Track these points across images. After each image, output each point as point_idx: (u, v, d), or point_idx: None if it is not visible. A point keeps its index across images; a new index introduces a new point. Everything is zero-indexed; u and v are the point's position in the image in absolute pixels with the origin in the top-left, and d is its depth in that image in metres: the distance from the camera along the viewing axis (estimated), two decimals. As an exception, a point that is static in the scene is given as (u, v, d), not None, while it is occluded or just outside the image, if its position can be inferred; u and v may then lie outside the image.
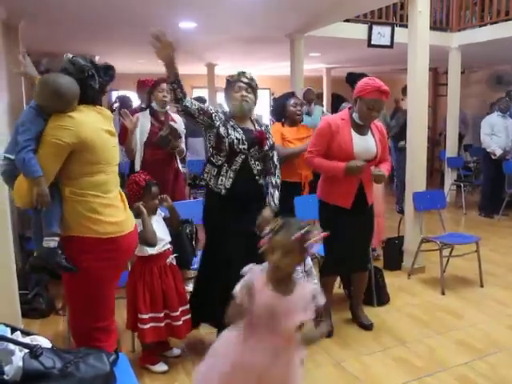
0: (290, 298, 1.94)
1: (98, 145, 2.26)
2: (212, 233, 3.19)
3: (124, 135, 3.92)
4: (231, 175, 3.05)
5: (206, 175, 3.14)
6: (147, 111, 4.14)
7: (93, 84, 2.32)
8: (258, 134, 3.15)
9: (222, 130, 3.04)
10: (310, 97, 5.91)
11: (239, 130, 3.09)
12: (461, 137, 9.33)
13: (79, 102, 2.28)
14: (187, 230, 3.34)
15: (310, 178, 4.42)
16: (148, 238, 2.88)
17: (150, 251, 2.91)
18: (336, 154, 3.29)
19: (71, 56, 2.37)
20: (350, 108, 3.40)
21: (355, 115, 3.32)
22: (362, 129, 3.35)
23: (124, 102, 7.79)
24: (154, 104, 4.09)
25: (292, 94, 4.67)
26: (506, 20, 6.73)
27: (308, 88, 6.05)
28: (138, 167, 4.03)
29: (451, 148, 8.26)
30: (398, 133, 6.71)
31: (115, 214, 2.32)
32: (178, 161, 4.37)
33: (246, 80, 3.14)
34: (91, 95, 2.34)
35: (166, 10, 5.46)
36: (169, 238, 3.04)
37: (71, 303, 2.44)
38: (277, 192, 3.22)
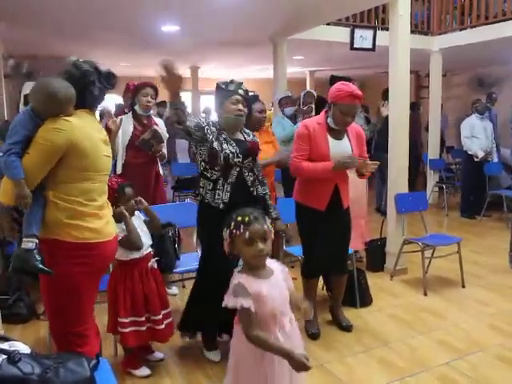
0: (275, 277, 2.07)
1: (89, 151, 2.25)
2: (211, 248, 3.05)
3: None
4: (228, 189, 3.03)
5: (201, 190, 3.09)
6: (130, 114, 4.14)
7: (93, 90, 2.33)
8: (252, 144, 3.14)
9: (215, 144, 2.99)
10: (310, 100, 5.69)
11: (232, 142, 3.05)
12: (443, 139, 9.43)
13: (77, 107, 2.28)
14: (170, 234, 3.34)
15: (273, 184, 4.43)
16: (133, 242, 2.86)
17: (132, 255, 2.89)
18: (313, 158, 3.29)
19: (75, 59, 2.36)
20: (325, 112, 3.40)
21: (330, 120, 3.32)
22: (337, 133, 3.35)
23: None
24: (137, 107, 4.08)
25: (256, 98, 4.42)
26: (486, 24, 6.82)
27: (308, 91, 5.87)
28: (119, 169, 4.03)
29: (433, 150, 8.34)
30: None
31: (95, 222, 2.30)
32: (159, 165, 4.37)
33: (242, 92, 3.08)
34: (90, 101, 2.35)
35: (149, 13, 5.46)
36: (150, 242, 3.03)
37: (48, 307, 2.43)
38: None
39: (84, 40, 7.23)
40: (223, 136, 3.05)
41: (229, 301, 1.97)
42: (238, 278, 2.01)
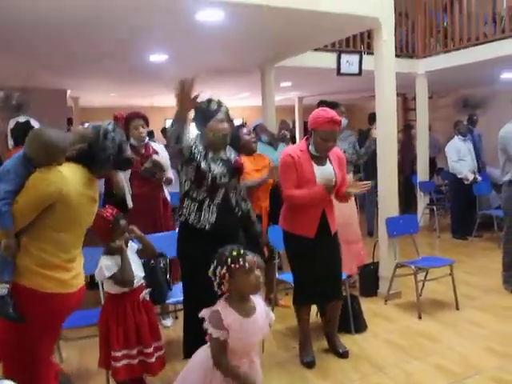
0: (256, 316, 2.17)
1: (74, 206, 2.27)
2: (195, 269, 3.02)
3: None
4: (214, 209, 3.01)
5: (184, 210, 3.06)
6: None
7: (104, 166, 2.40)
8: (237, 164, 3.14)
9: (203, 164, 2.98)
10: (284, 127, 5.77)
11: (219, 162, 3.04)
12: (433, 161, 9.51)
13: (77, 161, 2.32)
14: (161, 264, 3.30)
15: (268, 209, 4.41)
16: (126, 280, 2.83)
17: (123, 289, 2.86)
18: (300, 185, 3.30)
19: (111, 126, 2.40)
20: (306, 139, 3.41)
21: (311, 148, 3.34)
22: (320, 159, 3.37)
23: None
24: (131, 140, 4.08)
25: (242, 125, 4.63)
26: (468, 47, 6.95)
27: (282, 119, 6.01)
28: (130, 203, 4.02)
29: (422, 172, 8.39)
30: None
31: (63, 274, 2.29)
32: (166, 191, 4.38)
33: (225, 110, 3.10)
34: (92, 166, 2.37)
35: (136, 43, 5.51)
36: (142, 274, 2.99)
37: (2, 349, 2.37)
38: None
39: (73, 72, 7.26)
40: (210, 155, 3.04)
41: (204, 324, 2.12)
42: (219, 305, 2.13)
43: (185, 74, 7.88)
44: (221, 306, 2.12)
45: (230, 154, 3.23)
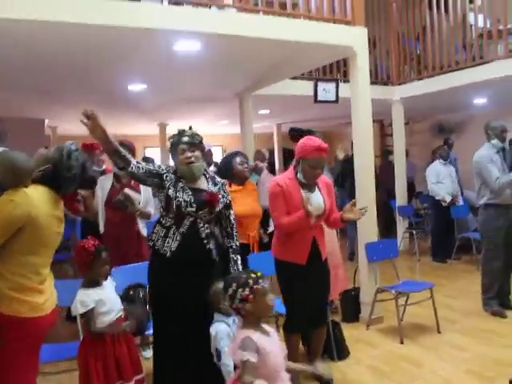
0: (273, 335, 2.27)
1: (44, 227, 2.28)
2: (157, 296, 3.07)
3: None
4: (178, 238, 2.98)
5: (153, 235, 3.07)
6: (111, 175, 4.26)
7: (69, 186, 2.44)
8: (209, 196, 3.03)
9: (170, 191, 2.97)
10: (259, 157, 5.97)
11: (188, 191, 2.99)
12: (411, 185, 9.63)
13: (42, 182, 2.34)
14: (140, 295, 3.27)
15: (257, 238, 4.40)
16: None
17: (100, 324, 2.81)
18: (291, 214, 3.30)
19: (72, 148, 2.44)
20: (294, 167, 3.45)
21: (300, 175, 3.37)
22: (308, 187, 3.40)
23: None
24: (115, 169, 4.08)
25: (237, 153, 4.63)
26: (441, 74, 7.12)
27: (257, 150, 6.14)
28: (101, 228, 4.10)
29: (400, 197, 8.48)
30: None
31: (37, 297, 2.30)
32: (140, 224, 4.35)
33: (186, 139, 3.01)
34: (58, 187, 2.40)
35: (115, 73, 5.54)
36: (120, 307, 2.95)
37: None
38: (239, 257, 3.20)
39: (52, 102, 7.27)
40: (180, 184, 3.01)
41: (235, 355, 2.12)
42: (245, 333, 2.16)
43: (164, 102, 7.98)
44: (246, 332, 2.15)
45: (212, 185, 3.13)
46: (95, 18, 3.59)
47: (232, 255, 3.18)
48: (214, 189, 3.12)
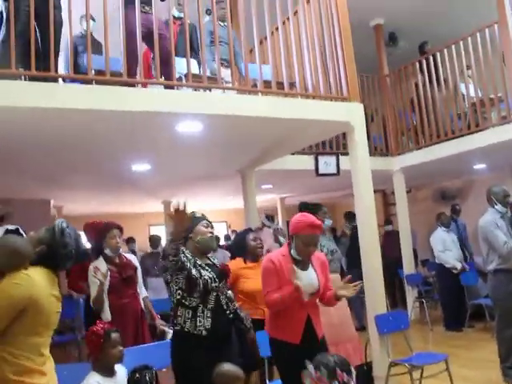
0: None
1: (46, 308, 2.31)
2: (194, 378, 3.02)
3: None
4: (208, 315, 3.05)
5: (179, 319, 3.08)
6: (101, 259, 4.12)
7: (66, 263, 2.50)
8: (222, 267, 3.26)
9: (194, 271, 3.04)
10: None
11: (207, 268, 3.15)
12: (414, 252, 9.58)
13: (43, 263, 2.39)
14: (147, 377, 3.19)
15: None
16: None
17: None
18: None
19: (64, 225, 2.51)
20: (288, 244, 3.45)
21: (293, 252, 3.35)
22: (302, 264, 3.36)
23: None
24: (107, 251, 4.11)
25: (250, 230, 4.75)
26: (438, 142, 7.28)
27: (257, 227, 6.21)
28: (108, 317, 3.94)
29: (408, 265, 8.41)
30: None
31: (40, 379, 2.28)
32: (141, 301, 4.33)
33: (207, 218, 3.31)
34: (56, 266, 2.47)
35: (119, 155, 5.68)
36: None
37: None
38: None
39: (58, 184, 7.40)
40: (198, 262, 3.13)
41: None
42: None
43: (168, 181, 8.09)
44: None
45: (214, 258, 3.38)
46: (102, 104, 3.73)
47: (241, 314, 3.36)
48: (217, 262, 3.35)
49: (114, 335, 2.90)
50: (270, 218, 6.12)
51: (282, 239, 5.86)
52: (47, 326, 2.38)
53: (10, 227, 4.29)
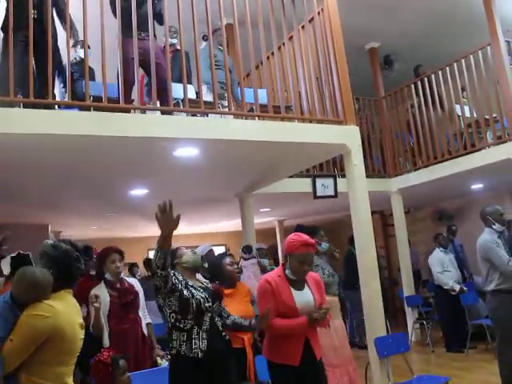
0: None
1: (69, 337, 2.30)
2: None
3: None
4: (204, 336, 3.02)
5: (174, 343, 3.05)
6: (102, 284, 4.09)
7: (79, 266, 2.50)
8: (214, 287, 3.27)
9: (186, 292, 3.04)
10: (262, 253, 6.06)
11: (199, 288, 3.14)
12: (418, 273, 9.55)
13: (61, 287, 2.39)
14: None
15: (251, 340, 4.15)
16: None
17: None
18: (281, 311, 3.27)
19: (52, 242, 2.53)
20: (283, 264, 3.46)
21: (288, 272, 3.37)
22: (298, 284, 3.38)
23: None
24: (107, 276, 4.08)
25: (226, 254, 4.52)
26: (435, 163, 7.32)
27: (258, 247, 6.25)
28: (107, 343, 3.89)
29: (408, 287, 8.37)
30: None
31: None
32: (143, 325, 4.29)
33: None
34: (76, 276, 2.50)
35: (116, 180, 5.70)
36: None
37: None
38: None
39: (56, 209, 7.41)
40: (189, 283, 3.13)
41: None
42: None
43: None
44: None
45: (208, 283, 3.39)
46: (99, 130, 3.76)
47: (240, 320, 3.36)
48: (209, 285, 3.36)
49: (122, 362, 2.81)
50: (246, 249, 6.10)
51: (265, 261, 5.91)
52: (71, 355, 2.37)
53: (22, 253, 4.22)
